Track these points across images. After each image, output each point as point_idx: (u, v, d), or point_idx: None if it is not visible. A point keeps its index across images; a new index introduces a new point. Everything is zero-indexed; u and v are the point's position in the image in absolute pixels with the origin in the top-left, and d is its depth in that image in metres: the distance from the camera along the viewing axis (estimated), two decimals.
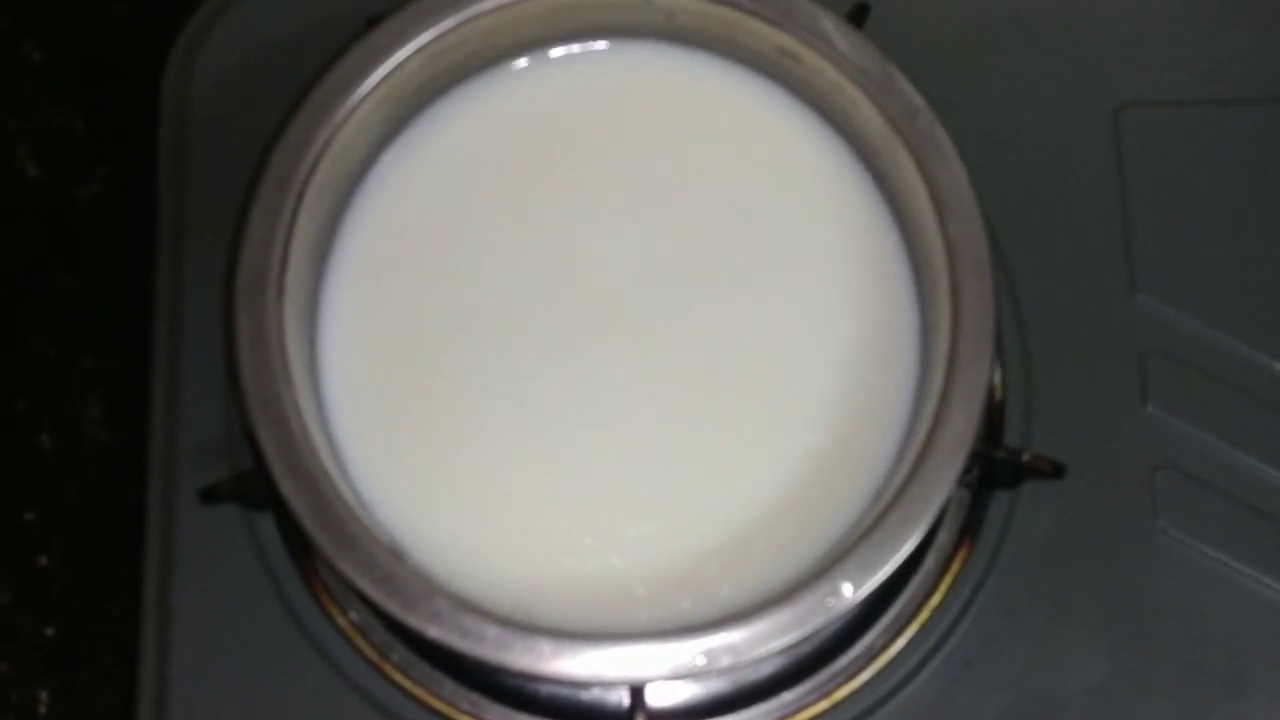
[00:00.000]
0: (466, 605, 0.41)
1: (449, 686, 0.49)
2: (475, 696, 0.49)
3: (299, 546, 0.50)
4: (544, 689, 0.49)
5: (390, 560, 0.41)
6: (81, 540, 0.57)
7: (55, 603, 0.56)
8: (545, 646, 0.40)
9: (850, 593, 0.41)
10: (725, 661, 0.40)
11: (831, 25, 0.46)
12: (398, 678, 0.49)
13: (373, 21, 0.48)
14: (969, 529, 0.50)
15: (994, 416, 0.51)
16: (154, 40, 0.57)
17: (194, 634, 0.50)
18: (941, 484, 0.42)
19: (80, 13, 0.62)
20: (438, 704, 0.49)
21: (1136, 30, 0.55)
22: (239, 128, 0.53)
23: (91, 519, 0.57)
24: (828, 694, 0.49)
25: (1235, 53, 0.55)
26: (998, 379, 0.51)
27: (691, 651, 0.40)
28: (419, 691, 0.49)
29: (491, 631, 0.40)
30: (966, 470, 0.47)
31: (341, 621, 0.50)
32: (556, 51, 0.49)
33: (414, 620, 0.40)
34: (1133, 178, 0.54)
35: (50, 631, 0.56)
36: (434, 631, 0.40)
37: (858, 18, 0.49)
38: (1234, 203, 0.54)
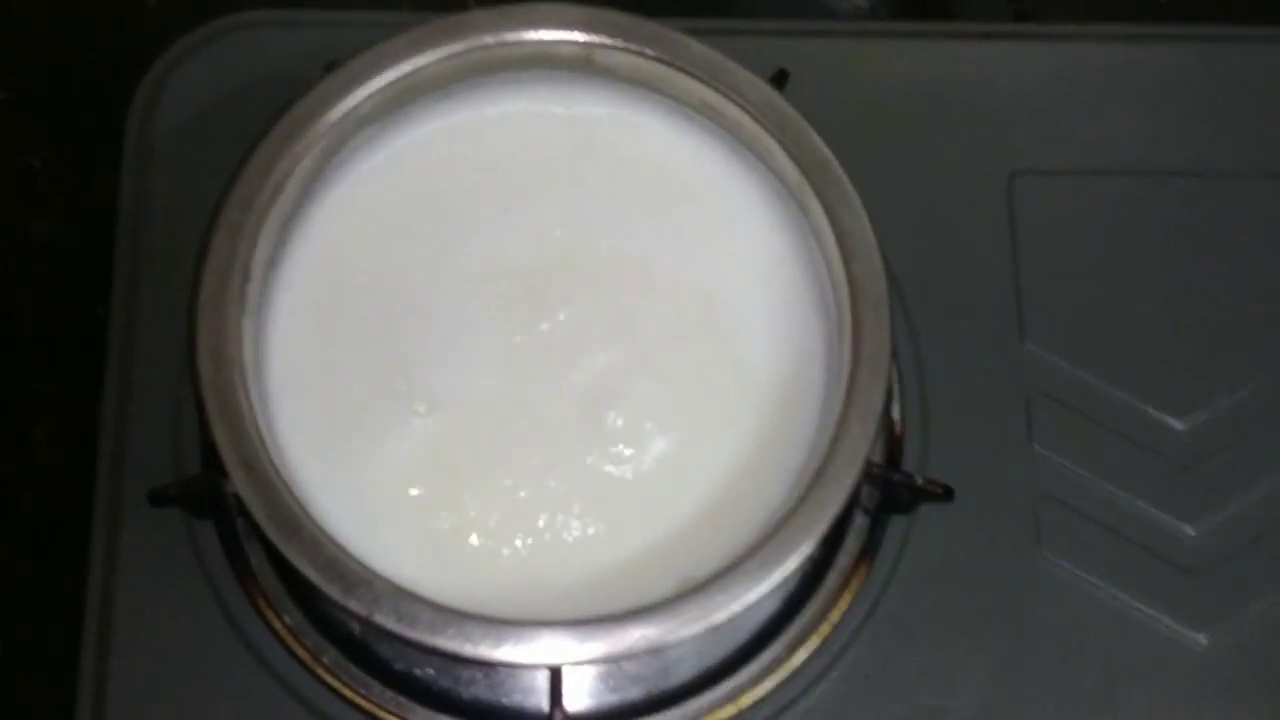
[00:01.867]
0: (403, 591, 0.43)
1: (377, 689, 0.51)
2: (402, 699, 0.51)
3: (238, 552, 0.52)
4: (467, 691, 0.51)
5: (333, 548, 0.43)
6: (25, 554, 0.58)
7: None
8: (474, 630, 0.43)
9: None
10: (640, 646, 0.43)
11: (751, 85, 0.50)
12: (329, 679, 0.51)
13: (331, 66, 0.51)
14: (868, 551, 0.53)
15: (894, 448, 0.54)
16: (112, 81, 0.60)
17: (134, 636, 0.51)
18: (837, 495, 0.46)
19: (44, 53, 0.65)
20: (367, 705, 0.51)
21: (1030, 104, 0.59)
22: (199, 166, 0.55)
23: (33, 537, 0.58)
24: (734, 700, 0.51)
25: (1122, 127, 0.59)
26: (897, 414, 0.54)
27: (610, 639, 0.43)
28: (348, 693, 0.51)
29: (425, 615, 0.43)
30: (869, 494, 0.51)
31: (277, 625, 0.51)
32: (496, 93, 0.52)
33: (354, 604, 0.43)
34: (1024, 237, 0.57)
35: None
36: (373, 614, 0.42)
37: (778, 82, 0.53)
38: (1116, 263, 0.57)
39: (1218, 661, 0.53)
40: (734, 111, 0.50)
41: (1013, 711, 0.52)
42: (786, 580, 0.45)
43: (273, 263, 0.48)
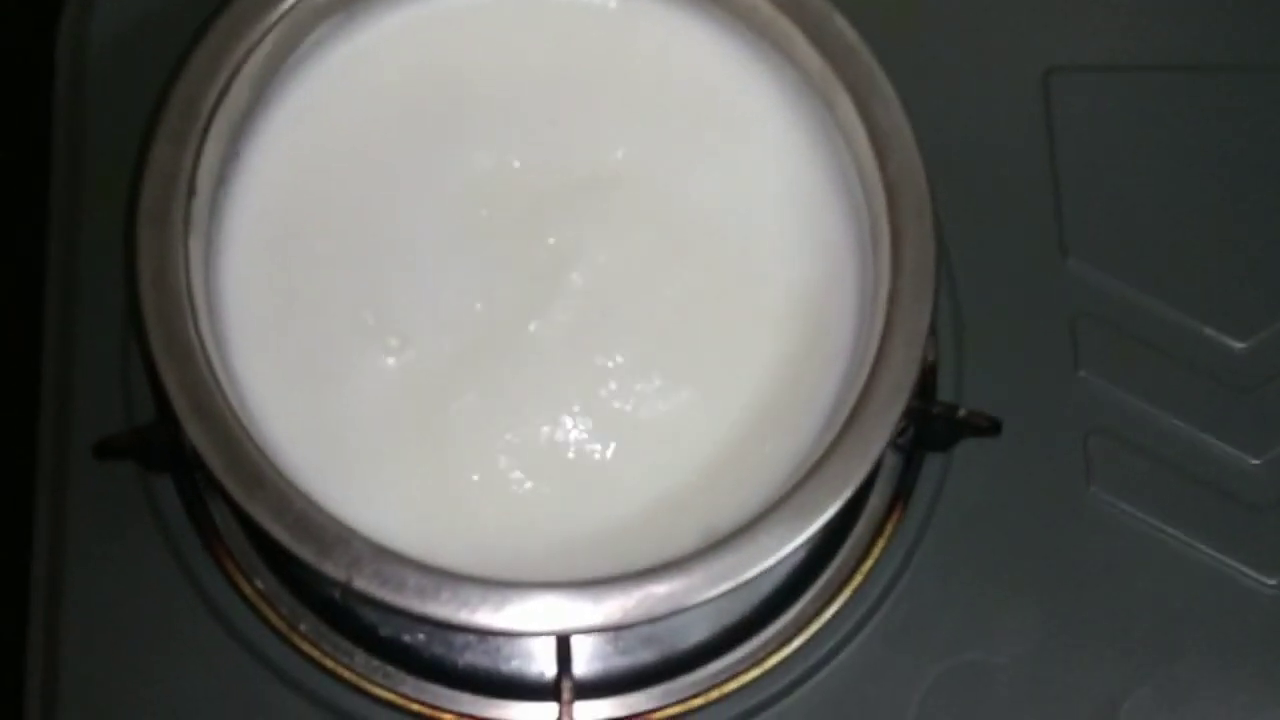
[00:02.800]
0: (385, 551, 0.39)
1: (360, 657, 0.48)
2: (389, 669, 0.48)
3: (201, 510, 0.49)
4: (462, 658, 0.48)
5: (304, 503, 0.38)
6: None
7: None
8: (471, 594, 0.38)
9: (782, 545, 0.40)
10: (659, 609, 0.38)
11: None
12: (307, 649, 0.48)
13: None
14: (901, 493, 0.50)
15: (926, 379, 0.50)
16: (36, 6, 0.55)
17: (87, 603, 0.48)
18: (879, 433, 0.42)
19: None
20: (350, 676, 0.48)
21: None
22: (137, 84, 0.51)
23: None
24: (759, 661, 0.48)
25: (1160, 18, 0.56)
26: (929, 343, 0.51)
27: (624, 600, 0.39)
28: (329, 663, 0.48)
29: (413, 578, 0.38)
30: (901, 428, 0.47)
31: (247, 590, 0.48)
32: None
33: (330, 567, 0.39)
34: (1062, 142, 0.54)
35: None
36: (353, 579, 0.38)
37: None
38: (1161, 167, 0.54)
39: None
40: None
41: (1063, 664, 0.50)
42: (820, 531, 0.41)
43: (222, 178, 0.45)
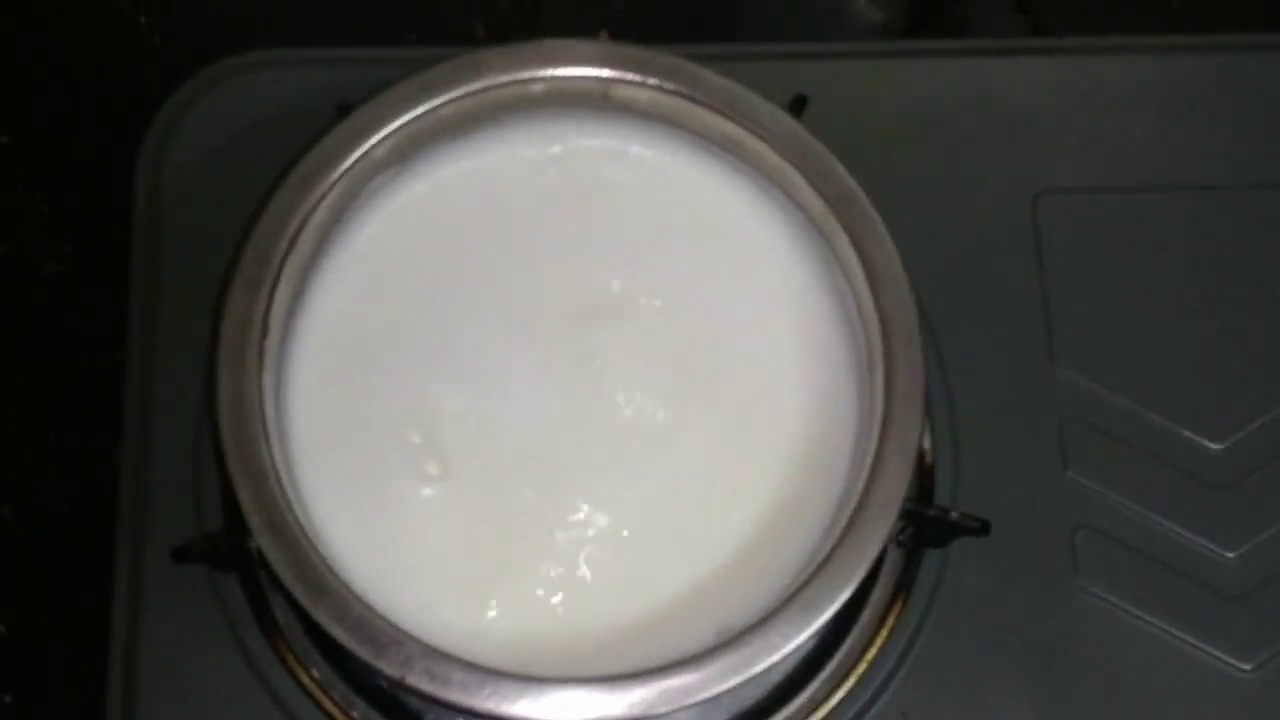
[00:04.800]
0: (433, 650, 0.42)
1: None
2: None
3: (263, 605, 0.52)
4: None
5: (361, 608, 0.42)
6: (39, 608, 0.57)
7: (14, 671, 0.56)
8: (510, 689, 0.42)
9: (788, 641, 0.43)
10: (679, 700, 0.42)
11: (773, 116, 0.50)
12: None
13: (344, 108, 0.50)
14: (903, 586, 0.52)
15: (925, 479, 0.53)
16: (119, 125, 0.59)
17: (160, 693, 0.51)
18: (876, 537, 0.45)
19: (49, 96, 0.64)
20: None
21: (1050, 121, 0.58)
22: (209, 209, 0.55)
23: (50, 587, 0.57)
24: None
25: (1145, 141, 0.58)
26: (928, 444, 0.54)
27: (645, 693, 0.42)
28: None
29: (458, 675, 0.42)
30: (901, 528, 0.50)
31: (304, 679, 0.51)
32: (512, 132, 0.51)
33: (385, 665, 0.42)
34: (1050, 259, 0.56)
35: (8, 699, 0.56)
36: (405, 676, 0.42)
37: (796, 108, 0.52)
38: (1145, 282, 0.56)
39: (1264, 689, 0.52)
40: (756, 144, 0.49)
41: None
42: (826, 625, 0.44)
43: (291, 315, 0.48)
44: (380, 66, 0.54)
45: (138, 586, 0.52)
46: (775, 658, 0.43)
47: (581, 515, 0.48)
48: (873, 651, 0.51)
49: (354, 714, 0.50)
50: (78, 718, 0.54)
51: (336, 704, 0.50)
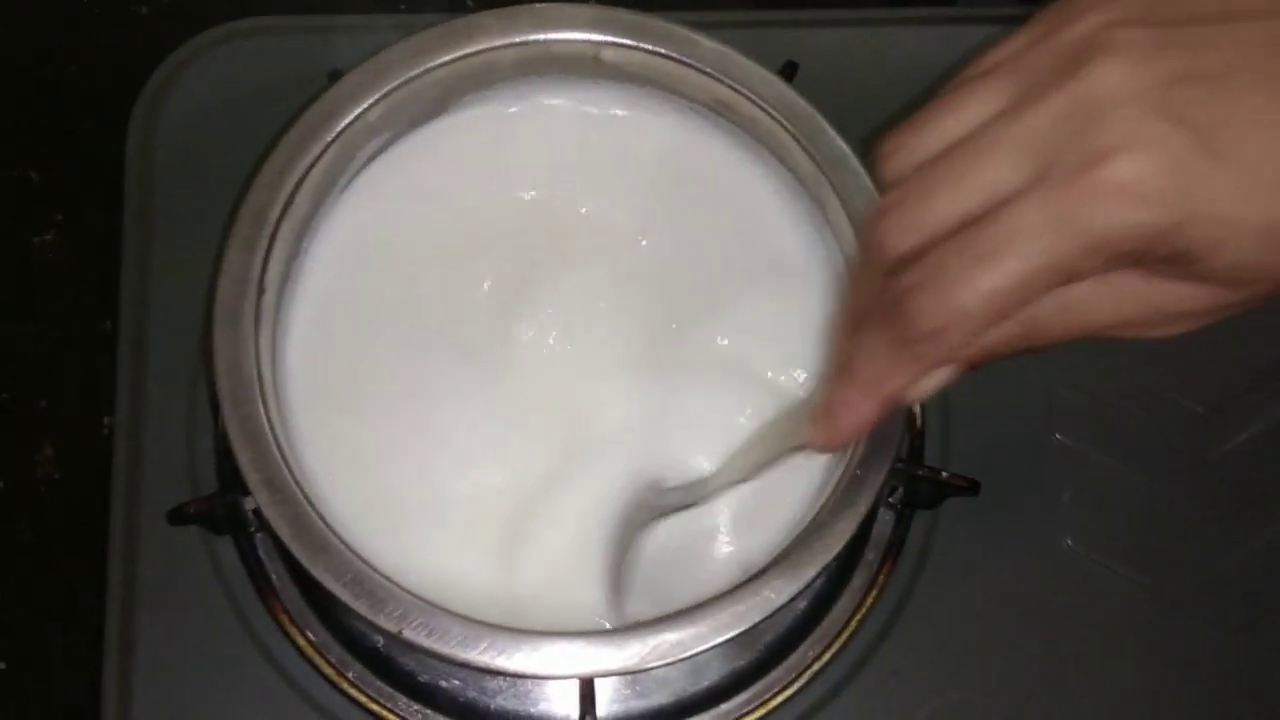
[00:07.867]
0: (430, 605, 0.43)
1: (403, 701, 0.51)
2: (428, 711, 0.51)
3: (259, 570, 0.52)
4: (494, 702, 0.51)
5: (359, 564, 0.43)
6: (34, 576, 0.57)
7: (9, 638, 0.57)
8: (506, 642, 0.42)
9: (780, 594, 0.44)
10: (671, 654, 0.42)
11: (764, 80, 0.50)
12: (355, 694, 0.51)
13: (336, 75, 0.51)
14: (893, 547, 0.53)
15: (916, 442, 0.54)
16: (110, 94, 0.59)
17: (157, 656, 0.51)
18: (865, 495, 0.45)
19: (39, 66, 0.64)
20: (393, 718, 0.51)
21: None
22: (202, 175, 0.55)
23: (44, 555, 0.57)
24: (764, 703, 0.51)
25: None
26: (917, 408, 0.54)
27: (640, 647, 0.43)
28: (375, 707, 0.51)
29: (456, 629, 0.42)
30: (892, 488, 0.51)
31: (301, 641, 0.51)
32: (504, 96, 0.52)
33: (383, 620, 0.42)
34: None
35: (3, 666, 0.56)
36: (403, 630, 0.42)
37: (788, 73, 0.52)
38: None
39: (1248, 648, 0.53)
40: (747, 107, 0.50)
41: (1047, 703, 0.52)
42: (815, 581, 0.44)
43: (287, 276, 0.48)
44: (369, 34, 0.54)
45: (133, 554, 0.52)
46: (764, 615, 0.43)
47: (580, 472, 0.48)
48: (863, 612, 0.52)
49: (350, 675, 0.51)
50: (73, 684, 0.54)
51: (333, 666, 0.51)
